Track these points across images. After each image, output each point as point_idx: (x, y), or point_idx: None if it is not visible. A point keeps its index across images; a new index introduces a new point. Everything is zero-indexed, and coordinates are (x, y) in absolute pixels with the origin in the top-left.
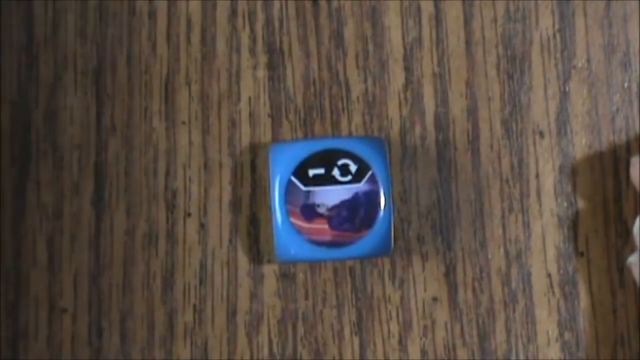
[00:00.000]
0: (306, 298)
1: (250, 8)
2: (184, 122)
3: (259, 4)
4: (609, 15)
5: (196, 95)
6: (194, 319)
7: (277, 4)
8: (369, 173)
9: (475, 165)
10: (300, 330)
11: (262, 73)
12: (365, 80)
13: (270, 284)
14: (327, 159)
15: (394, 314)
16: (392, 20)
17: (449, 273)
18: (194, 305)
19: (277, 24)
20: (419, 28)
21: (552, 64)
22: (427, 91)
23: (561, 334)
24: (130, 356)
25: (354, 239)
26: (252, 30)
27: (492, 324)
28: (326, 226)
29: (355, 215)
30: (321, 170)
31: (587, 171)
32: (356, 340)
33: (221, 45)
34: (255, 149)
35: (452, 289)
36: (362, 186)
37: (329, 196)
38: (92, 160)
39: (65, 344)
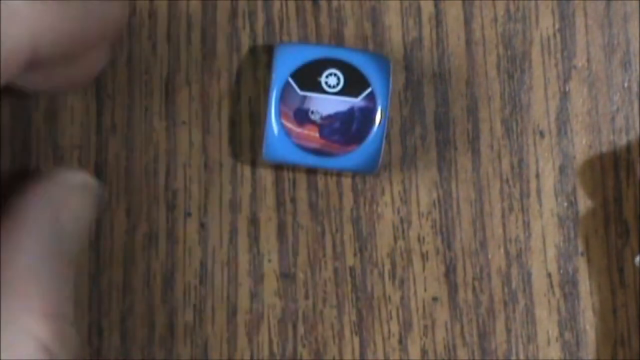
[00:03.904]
0: (306, 298)
1: (250, 8)
2: (184, 122)
3: (259, 4)
4: (609, 15)
5: (196, 95)
6: (194, 318)
7: (277, 4)
8: (368, 90)
9: (475, 165)
10: (300, 330)
11: (262, 73)
12: None
13: (270, 283)
14: (328, 67)
15: (394, 313)
16: (392, 20)
17: (449, 273)
18: (194, 305)
19: (277, 24)
20: (419, 28)
21: (552, 64)
22: (427, 91)
23: (561, 334)
24: (130, 356)
25: (341, 151)
26: (252, 30)
27: (492, 323)
28: (316, 134)
29: (347, 128)
30: (320, 78)
31: (587, 171)
32: (356, 340)
33: (221, 45)
34: (255, 149)
35: (452, 288)
36: (358, 101)
37: (324, 105)
38: (92, 160)
39: None
